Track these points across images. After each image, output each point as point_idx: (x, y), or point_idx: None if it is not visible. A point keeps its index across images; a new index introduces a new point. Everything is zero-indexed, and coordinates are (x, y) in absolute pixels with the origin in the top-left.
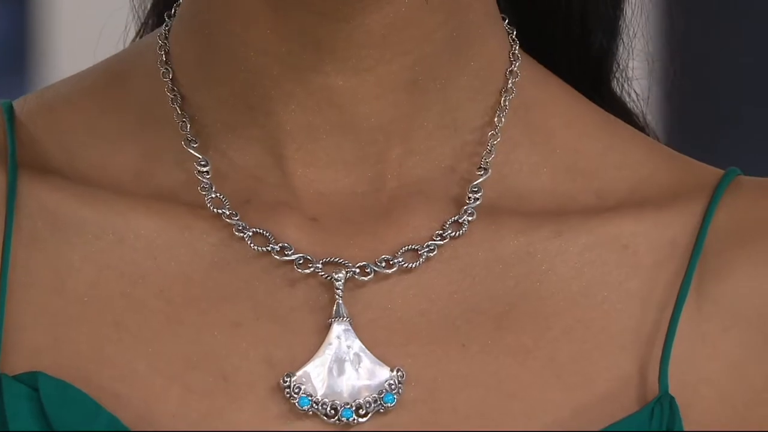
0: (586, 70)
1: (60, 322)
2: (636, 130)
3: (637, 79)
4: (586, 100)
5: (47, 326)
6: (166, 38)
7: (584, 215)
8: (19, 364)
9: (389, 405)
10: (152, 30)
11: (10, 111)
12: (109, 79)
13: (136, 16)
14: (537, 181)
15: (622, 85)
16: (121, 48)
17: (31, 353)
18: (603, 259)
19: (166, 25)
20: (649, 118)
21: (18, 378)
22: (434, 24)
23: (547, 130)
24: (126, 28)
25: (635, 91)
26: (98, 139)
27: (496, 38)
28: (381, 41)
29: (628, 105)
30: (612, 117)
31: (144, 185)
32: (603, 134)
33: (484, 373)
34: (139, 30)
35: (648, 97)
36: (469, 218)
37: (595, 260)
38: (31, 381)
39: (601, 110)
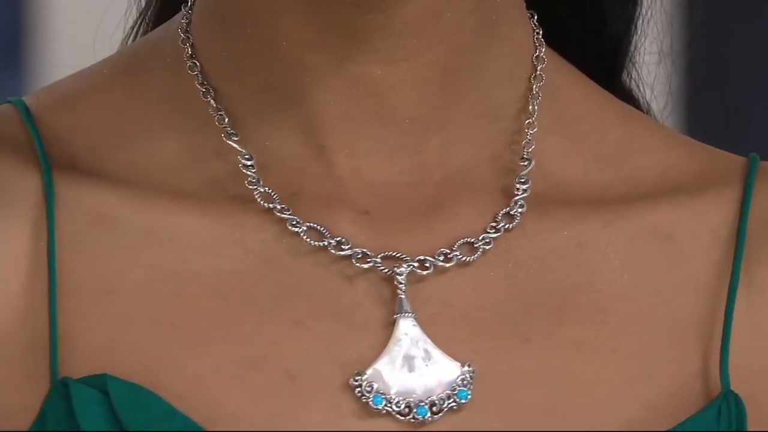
0: (600, 60)
1: (114, 324)
2: (652, 119)
3: (649, 64)
4: (601, 88)
5: (101, 329)
6: (188, 31)
7: (625, 204)
8: (77, 369)
9: (463, 401)
10: (152, 21)
11: (26, 109)
12: (125, 75)
13: (135, 7)
14: (569, 170)
15: (632, 77)
16: (116, 40)
17: (89, 357)
18: (649, 249)
19: (185, 18)
20: (659, 108)
21: (84, 381)
22: (466, 11)
23: (572, 118)
24: (126, 13)
25: (643, 84)
26: (125, 138)
27: (522, 23)
28: (416, 31)
29: (635, 95)
30: (627, 105)
31: (185, 182)
32: (624, 122)
33: (548, 368)
34: (137, 22)
35: (668, 91)
36: (520, 210)
37: (642, 250)
38: (99, 384)
39: (617, 99)
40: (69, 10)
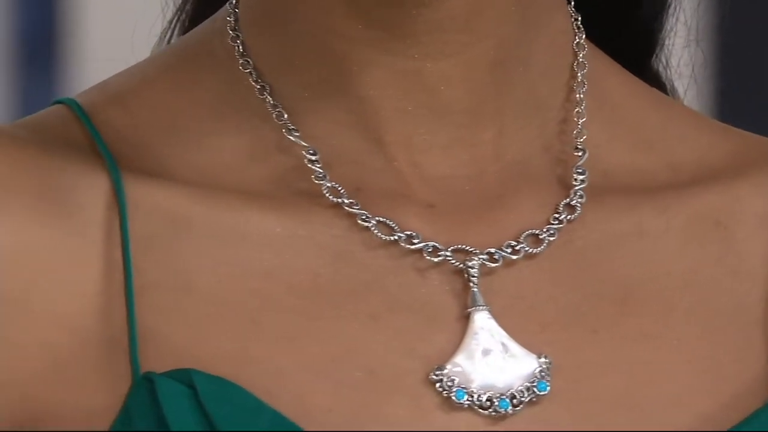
0: (631, 43)
1: (194, 322)
2: (681, 104)
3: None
4: (631, 74)
5: (181, 327)
6: (236, 28)
7: (673, 190)
8: (157, 366)
9: (542, 393)
10: (189, 17)
11: (80, 109)
12: (175, 73)
13: (173, 2)
14: (615, 158)
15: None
16: (155, 35)
17: (171, 355)
18: (702, 236)
19: (230, 15)
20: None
21: (170, 375)
22: (510, 3)
23: (612, 104)
24: (163, 9)
25: (670, 68)
26: (183, 137)
27: (561, 11)
28: (463, 25)
29: (661, 80)
30: (656, 91)
31: (250, 179)
32: (658, 108)
33: (618, 359)
34: (173, 20)
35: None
36: (580, 200)
37: (695, 237)
38: (184, 378)
39: (646, 84)
40: (103, 7)
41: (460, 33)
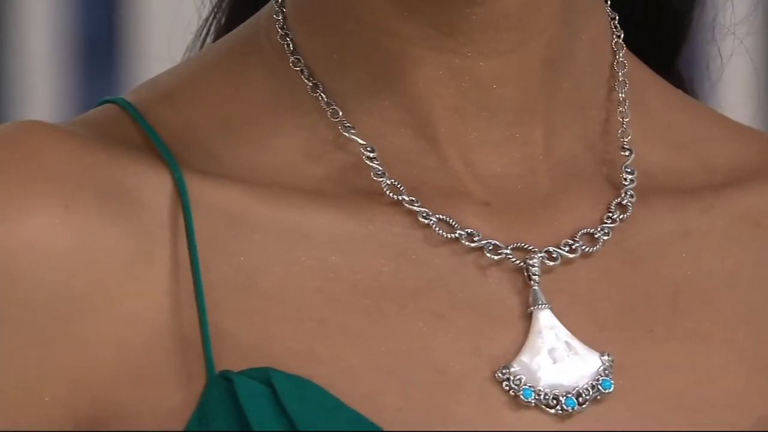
0: (658, 41)
1: (260, 321)
2: (705, 104)
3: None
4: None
5: (248, 326)
6: (284, 26)
7: (713, 191)
8: (229, 365)
9: (607, 391)
10: (225, 14)
11: (133, 108)
12: (224, 71)
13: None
14: (653, 157)
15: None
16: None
17: (241, 354)
18: (743, 236)
19: (277, 14)
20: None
21: (247, 374)
22: (559, 1)
23: (646, 104)
24: (199, 7)
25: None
26: (238, 136)
27: (600, 10)
28: (517, 23)
29: (684, 79)
30: (680, 91)
31: (308, 177)
32: (685, 108)
33: (675, 358)
34: (209, 18)
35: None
36: (631, 200)
37: (736, 236)
38: (262, 377)
39: (671, 84)
40: (162, 12)
41: (514, 31)
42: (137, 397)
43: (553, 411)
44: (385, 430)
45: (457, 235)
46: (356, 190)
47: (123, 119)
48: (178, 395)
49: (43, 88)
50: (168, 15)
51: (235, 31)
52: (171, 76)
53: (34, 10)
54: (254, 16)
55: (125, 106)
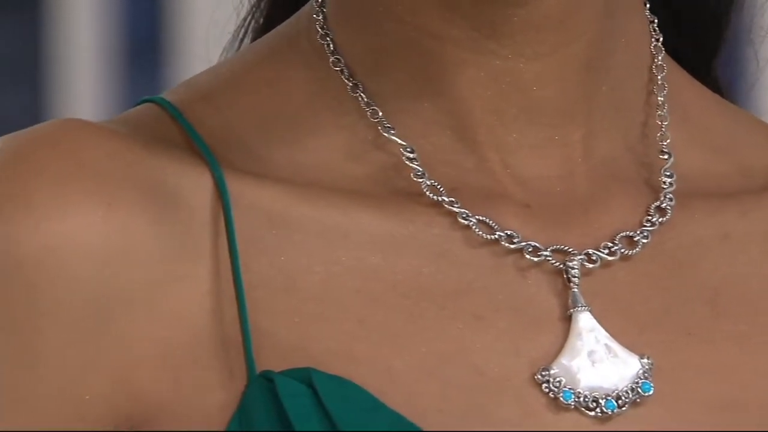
0: (695, 43)
1: (300, 321)
2: (743, 109)
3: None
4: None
5: (289, 326)
6: (324, 26)
7: (751, 195)
8: (272, 365)
9: (647, 394)
10: (264, 14)
11: (173, 107)
12: (263, 71)
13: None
14: (691, 161)
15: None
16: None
17: (281, 354)
18: None
19: (317, 14)
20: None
21: (288, 375)
22: (601, 3)
23: (684, 108)
24: (237, 6)
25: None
26: (277, 136)
27: (639, 14)
28: (559, 24)
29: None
30: (716, 95)
31: (348, 178)
32: (722, 112)
33: (714, 361)
34: (247, 17)
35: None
36: (671, 203)
37: None
38: (303, 377)
39: (707, 88)
40: (204, 11)
41: (554, 33)
42: (178, 396)
43: (592, 413)
44: (425, 431)
45: (496, 236)
46: (396, 191)
47: (163, 118)
48: (218, 395)
49: (88, 87)
50: (206, 15)
51: (274, 31)
52: (210, 76)
53: (81, 11)
54: (294, 16)
55: (165, 106)
